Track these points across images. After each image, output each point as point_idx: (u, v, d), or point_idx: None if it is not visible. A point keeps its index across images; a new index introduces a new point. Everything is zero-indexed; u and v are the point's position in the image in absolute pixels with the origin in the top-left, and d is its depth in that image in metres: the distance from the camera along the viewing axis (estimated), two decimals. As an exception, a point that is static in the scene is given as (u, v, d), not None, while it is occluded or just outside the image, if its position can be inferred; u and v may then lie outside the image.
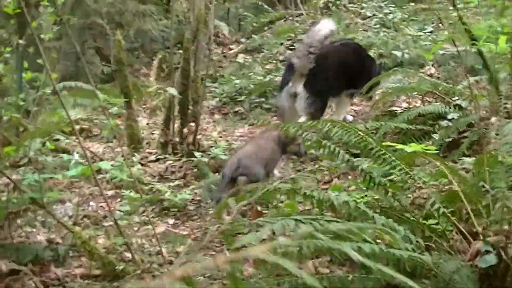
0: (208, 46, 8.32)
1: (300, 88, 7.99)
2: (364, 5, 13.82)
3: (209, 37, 8.11)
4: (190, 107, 7.71)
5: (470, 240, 4.24)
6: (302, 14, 13.87)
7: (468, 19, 11.94)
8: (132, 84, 11.79)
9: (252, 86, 10.20)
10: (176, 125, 7.80)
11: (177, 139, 7.64)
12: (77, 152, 6.84)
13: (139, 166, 7.43)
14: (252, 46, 13.23)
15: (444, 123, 6.81)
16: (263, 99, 9.88)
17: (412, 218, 4.48)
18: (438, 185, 5.13)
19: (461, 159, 6.20)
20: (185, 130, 7.46)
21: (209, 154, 7.31)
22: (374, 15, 13.37)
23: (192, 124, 7.44)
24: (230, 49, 13.80)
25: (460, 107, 7.06)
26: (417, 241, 4.00)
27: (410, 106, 8.13)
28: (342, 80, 8.28)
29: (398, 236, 3.76)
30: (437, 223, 4.45)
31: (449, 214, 4.33)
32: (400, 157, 4.74)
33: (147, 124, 9.48)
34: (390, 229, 3.99)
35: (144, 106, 10.60)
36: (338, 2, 14.15)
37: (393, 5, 13.85)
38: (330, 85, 8.16)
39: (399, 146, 5.48)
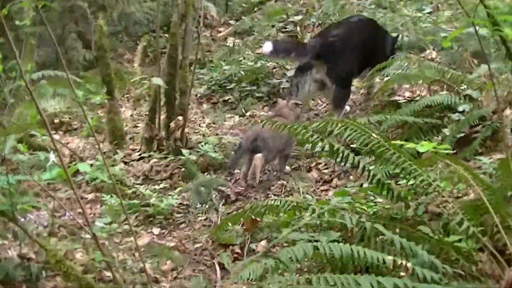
0: (197, 30, 7.63)
1: (325, 77, 7.58)
2: (359, -16, 13.10)
3: (198, 20, 7.40)
4: (177, 98, 7.05)
5: (502, 264, 3.63)
6: (294, -7, 13.07)
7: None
8: (115, 71, 11.22)
9: (242, 73, 9.54)
10: (162, 118, 7.15)
11: (163, 134, 6.98)
12: (54, 152, 6.14)
13: (121, 165, 6.81)
14: (241, 28, 12.53)
15: (455, 116, 6.20)
16: (254, 87, 9.21)
17: (432, 235, 3.87)
18: (453, 190, 4.54)
19: (475, 158, 5.70)
20: (172, 124, 6.82)
21: (198, 151, 6.68)
22: (369, -5, 12.67)
23: (180, 117, 6.79)
24: (219, 32, 13.10)
25: (471, 98, 6.43)
26: (443, 267, 3.40)
27: (414, 96, 7.49)
28: (364, 60, 7.89)
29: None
30: (459, 240, 3.85)
31: (475, 230, 3.74)
32: (416, 160, 4.11)
33: (131, 115, 8.83)
34: (412, 253, 3.43)
35: (128, 95, 9.91)
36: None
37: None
38: (353, 68, 7.84)
39: (410, 144, 4.93)
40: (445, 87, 6.98)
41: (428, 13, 11.41)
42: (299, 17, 11.30)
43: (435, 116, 6.50)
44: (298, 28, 11.09)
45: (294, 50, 7.63)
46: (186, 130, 7.08)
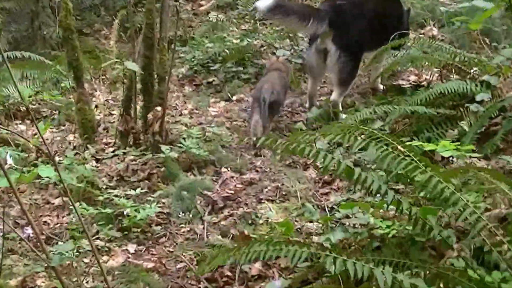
0: (176, 4, 6.68)
1: (330, 44, 6.69)
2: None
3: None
4: (156, 85, 6.11)
5: None
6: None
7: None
8: (90, 49, 10.32)
9: (227, 51, 8.62)
10: (138, 108, 6.24)
11: (140, 127, 6.08)
12: (11, 156, 5.22)
13: (93, 162, 5.92)
14: (224, 1, 11.59)
15: (473, 107, 5.37)
16: (240, 68, 8.32)
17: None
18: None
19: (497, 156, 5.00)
20: (150, 115, 5.91)
21: (180, 147, 5.76)
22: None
23: (158, 108, 5.89)
24: (200, 5, 12.16)
25: (488, 85, 5.57)
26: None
27: (421, 80, 6.65)
28: (378, 32, 6.90)
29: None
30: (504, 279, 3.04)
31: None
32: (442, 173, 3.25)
33: (106, 101, 7.89)
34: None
35: (103, 77, 8.97)
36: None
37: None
38: (364, 38, 6.83)
39: (430, 146, 4.15)
40: (453, 70, 6.16)
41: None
42: (287, -11, 10.35)
43: (447, 105, 5.66)
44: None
45: (303, 13, 6.66)
46: (166, 118, 6.18)
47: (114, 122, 6.90)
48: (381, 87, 7.29)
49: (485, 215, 3.16)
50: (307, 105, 7.17)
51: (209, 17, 10.61)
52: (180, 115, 7.21)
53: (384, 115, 5.63)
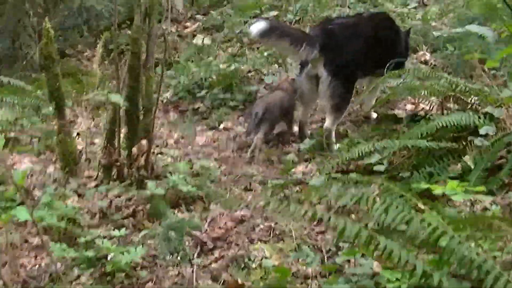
0: (164, 30, 6.30)
1: (321, 70, 6.36)
2: (337, -24, 11.85)
3: (165, 17, 6.06)
4: (141, 117, 5.73)
5: None
6: (266, -15, 11.77)
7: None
8: (73, 71, 9.95)
9: (214, 77, 8.25)
10: (123, 138, 5.86)
11: (124, 160, 5.69)
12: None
13: (75, 197, 5.52)
14: (210, 24, 11.26)
15: (478, 141, 5.01)
16: (228, 95, 7.97)
17: None
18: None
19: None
20: (134, 149, 5.53)
21: (167, 182, 5.36)
22: (348, -13, 11.46)
23: (144, 141, 5.50)
24: (185, 27, 11.85)
25: (491, 117, 5.24)
26: None
27: (417, 109, 6.32)
28: (372, 56, 6.58)
29: None
30: None
31: None
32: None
33: (88, 128, 7.49)
34: None
35: (85, 102, 8.59)
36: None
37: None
38: (357, 62, 6.48)
39: (440, 188, 3.82)
40: (452, 100, 5.83)
41: (414, 8, 10.26)
42: (274, 12, 10.04)
43: (448, 137, 5.32)
44: (273, 25, 9.82)
45: (296, 37, 6.33)
46: (154, 148, 5.82)
47: (96, 152, 6.51)
48: (375, 115, 6.98)
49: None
50: (297, 133, 6.83)
51: (195, 40, 10.25)
52: (165, 146, 6.83)
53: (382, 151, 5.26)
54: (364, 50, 6.45)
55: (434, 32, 8.59)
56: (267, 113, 6.61)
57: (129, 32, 7.58)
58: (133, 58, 5.65)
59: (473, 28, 7.93)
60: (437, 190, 3.91)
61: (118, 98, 5.30)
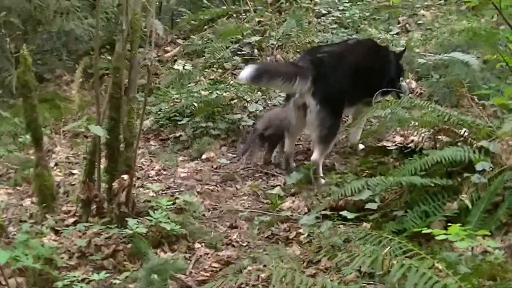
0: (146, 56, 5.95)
1: (310, 99, 6.04)
2: (317, 0, 11.56)
3: (149, 42, 5.70)
4: (122, 150, 5.41)
5: None
6: (248, 10, 11.43)
7: (440, 18, 10.06)
8: (51, 96, 9.61)
9: (195, 104, 7.93)
10: (102, 168, 5.52)
11: (104, 195, 5.36)
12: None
13: (52, 235, 5.18)
14: (191, 49, 10.94)
15: (475, 178, 4.72)
16: (210, 123, 7.64)
17: None
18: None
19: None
20: (115, 184, 5.19)
21: (149, 219, 5.03)
22: (329, 12, 11.18)
23: (125, 176, 5.17)
24: (166, 52, 11.53)
25: (486, 151, 4.96)
26: None
27: (407, 142, 6.04)
28: (360, 85, 6.33)
29: None
30: None
31: None
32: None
33: (67, 158, 7.16)
34: None
35: (64, 130, 8.25)
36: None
37: (348, 1, 11.70)
38: (346, 91, 6.23)
39: (439, 233, 3.55)
40: (443, 131, 5.56)
41: (396, 34, 10.02)
42: (256, 38, 9.73)
43: (441, 171, 5.03)
44: (255, 50, 9.53)
45: (288, 74, 6.01)
46: (134, 181, 5.46)
47: (75, 184, 6.19)
48: (362, 146, 6.71)
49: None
50: (283, 165, 6.55)
51: (176, 65, 9.93)
52: (147, 178, 6.51)
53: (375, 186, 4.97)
54: (352, 79, 6.21)
55: (419, 59, 8.34)
56: (269, 129, 6.60)
57: (109, 57, 7.25)
58: (114, 88, 5.33)
59: (458, 55, 7.70)
60: (440, 235, 3.61)
61: (98, 130, 4.97)
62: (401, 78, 6.97)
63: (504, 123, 5.08)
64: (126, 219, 5.02)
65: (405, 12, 10.82)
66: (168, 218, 5.09)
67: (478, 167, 4.80)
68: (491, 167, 4.80)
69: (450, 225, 3.71)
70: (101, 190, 5.41)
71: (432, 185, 4.80)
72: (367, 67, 6.45)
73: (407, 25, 10.36)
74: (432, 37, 9.45)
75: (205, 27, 12.04)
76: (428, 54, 8.78)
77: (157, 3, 12.72)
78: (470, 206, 4.54)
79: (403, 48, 7.18)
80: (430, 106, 5.56)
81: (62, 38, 11.96)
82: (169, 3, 14.00)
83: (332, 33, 10.12)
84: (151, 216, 5.05)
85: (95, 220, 5.30)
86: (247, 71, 5.89)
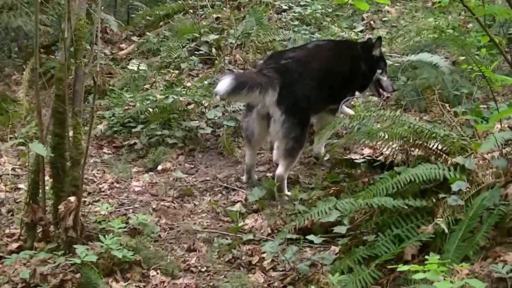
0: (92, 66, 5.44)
1: (274, 108, 5.67)
2: (278, -5, 11.21)
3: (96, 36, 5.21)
4: (68, 168, 4.97)
5: None
6: (205, 6, 11.00)
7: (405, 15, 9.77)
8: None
9: (150, 110, 7.52)
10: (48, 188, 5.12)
11: (50, 218, 4.97)
12: None
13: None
14: (146, 47, 10.51)
15: (451, 200, 4.36)
16: (166, 131, 7.24)
17: None
18: None
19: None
20: (61, 207, 4.76)
21: (100, 244, 4.63)
22: (290, 7, 10.82)
23: (72, 198, 4.75)
24: (120, 49, 11.11)
25: (462, 168, 4.64)
26: None
27: (376, 154, 5.70)
28: (326, 91, 6.03)
29: None
30: None
31: None
32: None
33: (12, 169, 6.71)
34: None
35: (12, 136, 7.79)
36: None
37: (310, -5, 11.36)
38: (313, 99, 5.90)
39: (419, 269, 3.23)
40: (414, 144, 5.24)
41: (360, 31, 9.69)
42: (214, 36, 9.34)
43: (412, 189, 4.69)
44: (213, 50, 9.15)
45: (263, 85, 5.61)
46: (84, 195, 5.06)
47: (21, 201, 5.75)
48: (323, 152, 6.35)
49: None
50: (244, 178, 6.18)
51: (130, 66, 9.51)
52: (99, 192, 6.10)
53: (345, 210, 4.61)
54: (318, 85, 5.87)
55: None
56: None
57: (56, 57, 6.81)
58: (58, 101, 4.88)
59: (426, 57, 7.42)
60: (419, 275, 3.29)
61: (40, 148, 4.53)
62: (381, 71, 6.62)
63: (484, 142, 4.74)
64: (74, 246, 4.61)
65: (369, 8, 10.49)
66: (121, 245, 4.68)
67: (455, 187, 4.46)
68: (467, 187, 4.48)
69: (425, 251, 3.40)
70: (46, 212, 4.99)
71: (406, 208, 4.47)
72: (333, 71, 6.13)
73: (372, 22, 10.06)
74: (398, 35, 9.15)
75: (161, 23, 11.64)
76: (395, 54, 8.47)
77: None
78: (446, 230, 4.20)
79: (376, 38, 6.76)
80: (401, 119, 5.21)
81: (10, 34, 11.50)
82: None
83: (293, 30, 9.77)
84: (102, 242, 4.65)
85: (41, 245, 4.88)
86: (224, 84, 5.44)
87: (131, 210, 5.66)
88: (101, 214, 5.39)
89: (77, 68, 4.99)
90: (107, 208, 5.31)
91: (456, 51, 8.08)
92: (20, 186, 6.29)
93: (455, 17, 9.34)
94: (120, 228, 4.88)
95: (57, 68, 5.00)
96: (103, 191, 6.16)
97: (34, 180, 5.01)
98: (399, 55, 8.35)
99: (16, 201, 5.86)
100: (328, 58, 6.26)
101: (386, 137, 5.31)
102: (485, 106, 6.66)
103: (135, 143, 7.34)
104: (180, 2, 11.71)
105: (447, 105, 6.14)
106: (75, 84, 5.00)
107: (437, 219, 4.32)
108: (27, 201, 5.00)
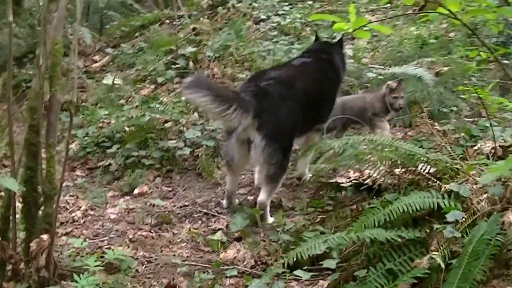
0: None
1: (254, 133, 5.36)
2: (255, 4, 10.93)
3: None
4: (40, 204, 4.67)
5: None
6: (182, 16, 10.70)
7: (386, 24, 9.54)
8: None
9: (126, 129, 7.23)
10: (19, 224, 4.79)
11: (21, 256, 4.66)
12: None
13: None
14: (121, 59, 10.21)
15: (447, 232, 4.15)
16: (142, 152, 6.96)
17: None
18: None
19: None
20: (33, 244, 4.47)
21: (74, 284, 4.35)
22: (268, 17, 10.56)
23: (44, 236, 4.47)
24: (94, 61, 10.81)
25: (456, 195, 4.43)
26: None
27: (363, 178, 5.45)
28: (312, 112, 5.80)
29: None
30: None
31: None
32: None
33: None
34: None
35: (-18, 156, 7.51)
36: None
37: (288, 4, 11.12)
38: (295, 122, 5.58)
39: None
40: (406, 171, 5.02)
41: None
42: (192, 49, 9.07)
43: (406, 218, 4.46)
44: (190, 63, 8.88)
45: (225, 98, 5.16)
46: (57, 227, 4.76)
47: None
48: (309, 176, 6.11)
49: None
50: (225, 204, 5.92)
51: (104, 80, 9.21)
52: (72, 222, 5.81)
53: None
54: (301, 108, 5.58)
55: (368, 73, 7.80)
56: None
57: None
58: (31, 133, 4.59)
59: (410, 70, 7.24)
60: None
61: (12, 183, 4.23)
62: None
63: (484, 174, 4.52)
64: (47, 287, 4.34)
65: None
66: (96, 285, 4.40)
67: (450, 217, 4.26)
68: (463, 217, 4.26)
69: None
70: (17, 249, 4.69)
71: (400, 241, 4.24)
72: (319, 89, 5.93)
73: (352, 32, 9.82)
74: (380, 46, 8.92)
75: (136, 34, 11.32)
76: (377, 66, 8.25)
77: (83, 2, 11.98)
78: (442, 265, 3.97)
79: (340, 37, 6.55)
80: (392, 144, 4.98)
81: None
82: (97, 5, 13.19)
83: (272, 41, 9.51)
84: (77, 281, 4.37)
85: (11, 285, 4.59)
86: (187, 78, 5.18)
87: (106, 241, 5.37)
88: (74, 247, 5.08)
89: (52, 97, 4.68)
90: (81, 243, 5.01)
91: (439, 61, 7.91)
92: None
93: (437, 25, 9.15)
94: (95, 266, 4.60)
95: (30, 96, 4.69)
96: (76, 220, 5.87)
97: (3, 215, 4.71)
98: (382, 67, 8.13)
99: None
100: (314, 76, 6.00)
101: (375, 160, 5.10)
102: (472, 123, 6.49)
103: (110, 164, 7.07)
104: (155, 12, 11.40)
105: (436, 124, 5.95)
106: (49, 114, 4.68)
107: (432, 253, 4.10)
108: (-4, 237, 4.70)
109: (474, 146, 5.64)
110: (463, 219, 4.26)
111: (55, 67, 4.66)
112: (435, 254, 4.07)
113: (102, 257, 4.90)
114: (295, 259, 4.30)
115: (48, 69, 4.63)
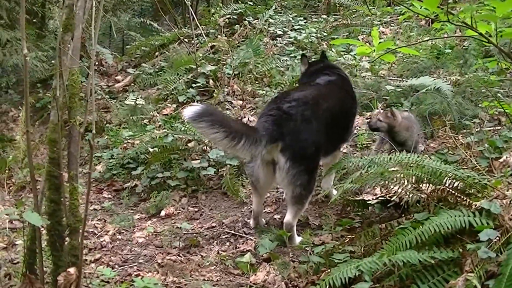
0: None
1: (278, 155, 5.03)
2: (271, 20, 10.63)
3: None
4: (66, 237, 4.37)
5: None
6: (200, 34, 10.39)
7: (400, 35, 9.24)
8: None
9: (150, 150, 6.95)
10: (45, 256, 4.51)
11: (48, 288, 4.38)
12: None
13: None
14: (143, 79, 9.94)
15: (482, 252, 3.82)
16: (167, 173, 6.67)
17: None
18: None
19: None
20: (60, 278, 4.18)
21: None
22: (284, 32, 10.27)
23: (71, 270, 4.17)
24: (116, 81, 10.55)
25: (488, 213, 4.11)
26: None
27: (390, 195, 5.13)
28: (336, 132, 5.53)
29: None
30: None
31: None
32: None
33: (10, 222, 6.12)
34: None
35: (9, 182, 7.23)
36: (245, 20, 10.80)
37: (303, 18, 10.83)
38: (321, 143, 5.23)
39: None
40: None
41: (356, 54, 9.18)
42: (211, 67, 8.79)
43: (437, 237, 4.14)
44: (211, 81, 8.60)
45: (234, 130, 4.81)
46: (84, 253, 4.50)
47: (18, 261, 5.17)
48: (335, 192, 5.79)
49: None
50: (252, 224, 5.62)
51: (127, 101, 8.93)
52: (101, 248, 5.53)
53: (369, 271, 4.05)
54: (326, 128, 5.24)
55: (387, 86, 7.47)
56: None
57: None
58: (52, 165, 4.30)
59: (427, 81, 6.91)
60: None
61: (35, 218, 3.94)
62: None
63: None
64: (76, 321, 4.05)
65: (364, 30, 9.95)
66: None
67: (483, 236, 3.93)
68: (497, 236, 3.94)
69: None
70: (44, 283, 4.40)
71: (433, 262, 3.93)
72: (343, 111, 5.64)
73: (368, 44, 9.51)
74: (396, 57, 8.60)
75: (156, 53, 11.06)
76: (395, 78, 7.92)
77: (103, 24, 11.73)
78: (479, 287, 3.65)
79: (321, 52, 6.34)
80: (417, 161, 4.66)
81: (8, 70, 10.95)
82: (118, 25, 12.94)
83: (290, 56, 9.22)
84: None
85: (40, 320, 4.31)
86: (192, 108, 4.74)
87: (135, 267, 5.07)
88: (103, 276, 4.80)
89: (72, 128, 4.38)
90: (109, 273, 4.72)
91: (455, 69, 7.59)
92: (17, 242, 5.68)
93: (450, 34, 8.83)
94: (125, 296, 4.32)
95: (50, 129, 4.39)
96: (105, 246, 5.58)
97: (29, 248, 4.43)
98: (399, 79, 7.81)
99: (14, 261, 5.25)
100: (339, 95, 5.70)
101: (401, 177, 4.78)
102: (494, 132, 6.17)
103: (136, 186, 6.80)
104: (174, 31, 11.11)
105: (459, 136, 5.62)
106: (69, 146, 4.38)
107: (468, 274, 3.78)
108: (24, 272, 4.41)
109: (500, 158, 5.30)
110: (497, 238, 3.94)
111: (74, 97, 4.37)
112: (471, 276, 3.75)
113: (131, 285, 4.61)
114: (327, 286, 4.00)
115: (66, 100, 4.34)
